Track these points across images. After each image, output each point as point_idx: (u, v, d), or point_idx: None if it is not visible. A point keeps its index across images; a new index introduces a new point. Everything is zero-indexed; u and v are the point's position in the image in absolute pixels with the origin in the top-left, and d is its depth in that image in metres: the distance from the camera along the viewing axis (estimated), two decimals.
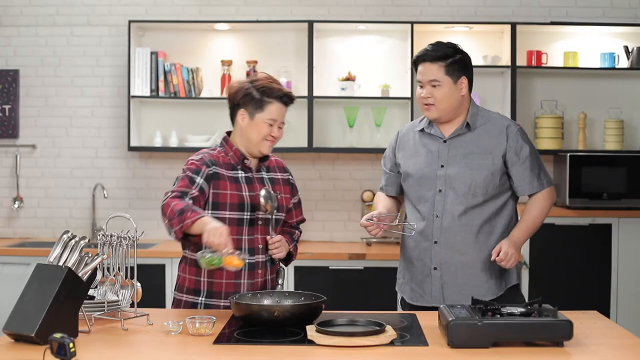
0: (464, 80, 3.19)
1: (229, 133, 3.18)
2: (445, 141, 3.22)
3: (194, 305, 3.06)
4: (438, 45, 3.23)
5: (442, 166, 3.19)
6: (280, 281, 3.13)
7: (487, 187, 3.16)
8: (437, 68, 3.16)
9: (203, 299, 3.06)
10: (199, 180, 3.00)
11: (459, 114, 3.22)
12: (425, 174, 3.22)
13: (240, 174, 3.09)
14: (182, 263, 3.15)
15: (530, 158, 3.19)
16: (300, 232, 3.33)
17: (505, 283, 3.22)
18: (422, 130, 3.29)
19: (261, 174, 3.15)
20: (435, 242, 3.18)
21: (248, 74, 5.32)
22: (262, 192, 3.04)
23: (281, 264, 3.19)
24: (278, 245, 3.09)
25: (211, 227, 2.77)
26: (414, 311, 3.07)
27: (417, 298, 3.23)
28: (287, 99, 3.10)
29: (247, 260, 3.01)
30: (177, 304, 3.11)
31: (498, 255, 3.06)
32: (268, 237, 3.08)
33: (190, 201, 2.93)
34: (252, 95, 3.06)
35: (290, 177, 3.26)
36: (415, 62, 3.24)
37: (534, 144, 3.27)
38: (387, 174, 3.41)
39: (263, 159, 3.16)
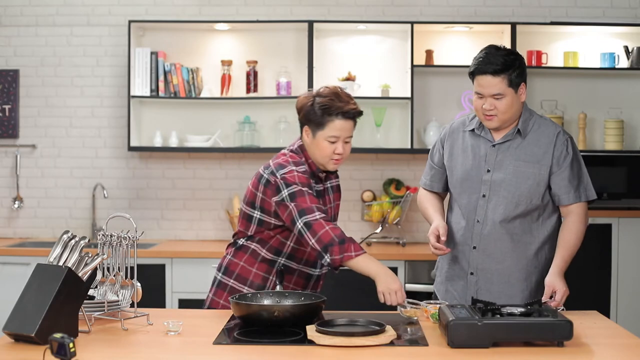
0: (523, 87, 3.09)
1: (302, 144, 3.13)
2: (494, 145, 3.14)
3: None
4: (495, 54, 3.05)
5: (489, 171, 3.12)
6: (279, 281, 3.13)
7: (532, 197, 3.09)
8: (499, 81, 3.03)
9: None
10: (314, 192, 3.01)
11: (515, 119, 3.14)
12: (471, 177, 3.14)
13: (316, 186, 3.09)
14: (244, 253, 3.12)
15: (571, 168, 3.10)
16: None
17: (540, 294, 3.12)
18: (472, 130, 3.20)
19: (326, 184, 3.17)
20: (474, 248, 3.13)
21: (248, 74, 5.32)
22: None
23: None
24: None
25: (387, 286, 2.86)
26: None
27: (451, 300, 3.17)
28: (350, 114, 3.02)
29: (313, 272, 3.14)
30: (231, 292, 3.09)
31: (551, 297, 2.96)
32: None
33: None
34: (314, 112, 3.01)
35: (339, 181, 3.26)
36: (473, 73, 3.08)
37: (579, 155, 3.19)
38: (434, 169, 3.31)
39: None
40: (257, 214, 3.05)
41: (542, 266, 3.16)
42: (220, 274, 3.14)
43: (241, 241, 3.12)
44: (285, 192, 2.94)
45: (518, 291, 3.12)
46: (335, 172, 3.21)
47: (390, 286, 2.84)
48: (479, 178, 3.13)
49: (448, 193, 3.31)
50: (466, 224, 3.15)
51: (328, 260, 2.86)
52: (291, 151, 3.10)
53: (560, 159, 3.10)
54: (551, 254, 3.18)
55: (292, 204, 2.92)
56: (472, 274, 3.14)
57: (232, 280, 3.10)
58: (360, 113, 3.06)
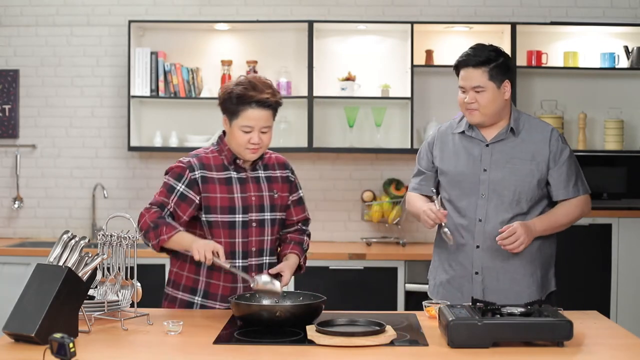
0: (507, 84, 3.12)
1: (225, 132, 3.10)
2: (487, 145, 3.16)
3: (189, 305, 3.04)
4: (480, 48, 3.14)
5: (485, 170, 3.14)
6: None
7: (532, 194, 3.12)
8: (480, 74, 3.08)
9: (200, 299, 3.04)
10: (180, 187, 2.99)
11: (501, 117, 3.16)
12: (467, 177, 3.16)
13: (233, 174, 3.04)
14: (177, 260, 3.11)
15: (568, 163, 3.15)
16: (309, 237, 3.24)
17: (545, 289, 3.18)
18: (462, 132, 3.22)
19: (257, 173, 3.09)
20: (478, 247, 3.13)
21: (248, 74, 5.31)
22: None
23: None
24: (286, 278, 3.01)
25: (202, 244, 2.81)
26: None
27: (455, 301, 3.07)
28: (265, 103, 2.94)
29: (239, 264, 3.00)
30: (171, 300, 3.09)
31: (506, 236, 3.01)
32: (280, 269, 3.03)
33: (169, 218, 2.96)
34: (231, 101, 2.97)
35: (290, 174, 3.17)
36: (457, 67, 3.15)
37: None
38: (423, 174, 3.32)
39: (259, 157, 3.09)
40: None
41: (546, 260, 3.20)
42: (169, 289, 3.13)
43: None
44: None
45: (524, 287, 3.13)
46: (281, 163, 3.15)
47: (204, 244, 2.82)
48: (476, 178, 3.14)
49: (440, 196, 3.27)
50: (467, 224, 3.14)
51: (151, 248, 2.95)
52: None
53: (557, 155, 3.14)
54: (552, 248, 3.24)
55: None
56: (477, 273, 3.13)
57: (170, 289, 3.11)
58: (276, 103, 2.97)
